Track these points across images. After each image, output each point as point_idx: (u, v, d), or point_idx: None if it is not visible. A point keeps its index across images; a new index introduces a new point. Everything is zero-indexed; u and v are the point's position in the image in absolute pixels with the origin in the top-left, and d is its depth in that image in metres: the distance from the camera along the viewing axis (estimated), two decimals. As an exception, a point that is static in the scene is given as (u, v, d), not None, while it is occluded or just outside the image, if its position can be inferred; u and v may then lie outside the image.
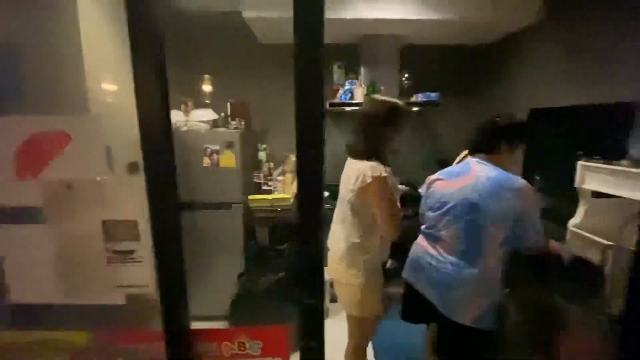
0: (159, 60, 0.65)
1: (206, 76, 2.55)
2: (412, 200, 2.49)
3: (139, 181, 0.71)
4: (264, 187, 2.58)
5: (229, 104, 2.49)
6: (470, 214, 1.29)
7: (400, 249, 2.01)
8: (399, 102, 1.46)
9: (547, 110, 2.14)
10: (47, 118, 0.69)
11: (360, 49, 2.68)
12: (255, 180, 2.57)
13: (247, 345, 0.82)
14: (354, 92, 2.54)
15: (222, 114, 2.42)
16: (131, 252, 0.74)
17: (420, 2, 2.25)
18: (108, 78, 1.72)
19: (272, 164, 2.74)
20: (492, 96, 2.90)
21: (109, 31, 1.75)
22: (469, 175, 1.37)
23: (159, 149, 0.67)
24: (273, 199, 2.45)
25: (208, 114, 2.33)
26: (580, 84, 1.99)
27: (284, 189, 2.59)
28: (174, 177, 0.70)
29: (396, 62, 2.67)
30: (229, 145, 2.20)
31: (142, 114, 0.66)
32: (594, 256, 1.24)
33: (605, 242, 1.19)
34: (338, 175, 1.86)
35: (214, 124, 2.34)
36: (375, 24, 2.35)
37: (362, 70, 2.69)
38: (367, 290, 1.45)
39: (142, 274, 0.75)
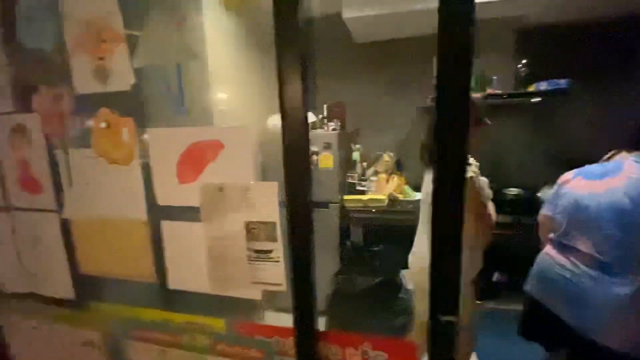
0: (302, 71, 0.67)
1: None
2: (527, 204, 2.16)
3: (275, 186, 0.75)
4: (358, 188, 2.56)
5: (325, 106, 2.55)
6: (618, 222, 1.08)
7: (507, 259, 1.78)
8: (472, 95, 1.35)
9: None
10: (203, 128, 0.77)
11: (465, 37, 2.43)
12: (350, 181, 2.58)
13: (371, 354, 0.80)
14: (458, 85, 2.33)
15: (320, 116, 2.48)
16: (269, 252, 0.79)
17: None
18: (226, 89, 1.92)
19: (365, 164, 2.71)
20: (636, 82, 2.33)
21: (229, 46, 1.95)
22: (620, 176, 1.15)
23: (299, 154, 0.69)
24: (368, 199, 2.42)
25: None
26: None
27: (377, 189, 2.53)
28: (309, 181, 0.71)
29: (511, 46, 2.35)
30: (327, 147, 2.24)
31: (285, 123, 0.69)
32: None
33: None
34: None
35: (312, 125, 2.42)
36: (485, 7, 2.10)
37: (467, 60, 2.44)
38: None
39: (277, 273, 0.79)
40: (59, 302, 0.97)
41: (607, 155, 1.55)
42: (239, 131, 0.73)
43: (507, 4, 2.04)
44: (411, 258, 1.60)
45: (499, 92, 2.23)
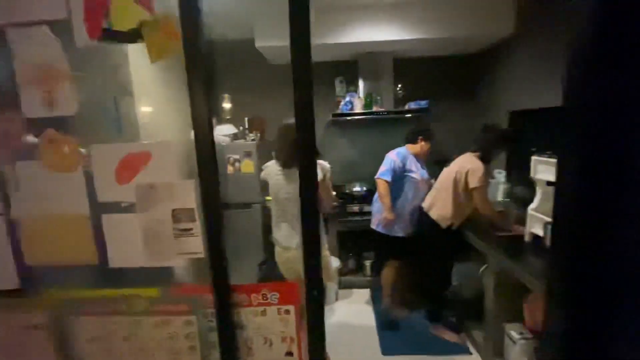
0: (208, 93, 1.00)
1: (225, 95, 2.96)
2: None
3: (192, 182, 1.08)
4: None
5: (246, 119, 2.90)
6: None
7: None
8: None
9: (523, 112, 2.42)
10: (137, 143, 1.07)
11: (359, 64, 3.03)
12: (271, 184, 2.95)
13: (269, 296, 1.17)
14: (353, 103, 2.89)
15: (241, 128, 2.81)
16: (190, 229, 1.11)
17: (409, 24, 2.59)
18: (155, 112, 2.15)
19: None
20: (479, 101, 3.19)
21: (153, 76, 2.19)
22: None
23: (207, 160, 1.04)
24: (285, 199, 2.82)
25: (228, 129, 2.73)
26: (548, 88, 2.27)
27: (295, 190, 2.95)
28: (217, 178, 1.06)
29: (391, 74, 3.00)
30: (248, 155, 2.59)
31: (197, 137, 1.03)
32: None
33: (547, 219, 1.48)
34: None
35: (235, 137, 2.74)
36: (371, 45, 2.70)
37: (360, 83, 3.03)
38: None
39: (197, 245, 1.12)
40: (7, 293, 1.15)
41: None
42: (163, 144, 1.06)
43: (386, 43, 2.66)
44: (277, 251, 2.07)
45: (383, 109, 2.85)
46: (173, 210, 1.09)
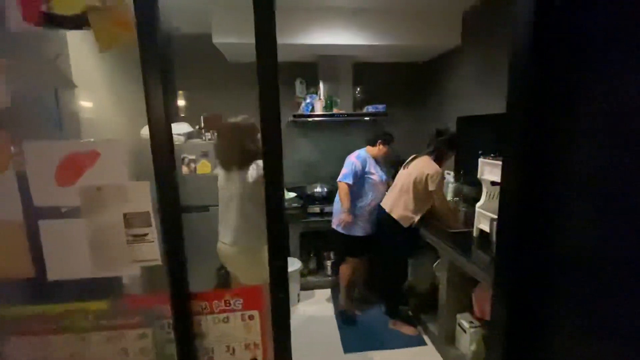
0: (165, 89, 0.94)
1: (180, 92, 2.81)
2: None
3: (147, 184, 1.00)
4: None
5: (202, 118, 2.77)
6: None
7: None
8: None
9: (470, 118, 2.62)
10: (84, 141, 0.97)
11: (319, 66, 3.06)
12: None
13: (232, 302, 1.13)
14: (314, 104, 2.91)
15: (197, 127, 2.68)
16: (145, 235, 1.03)
17: (365, 30, 2.67)
18: (101, 108, 1.97)
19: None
20: (431, 106, 3.40)
21: (97, 67, 2.00)
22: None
23: (165, 160, 0.97)
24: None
25: (184, 127, 2.59)
26: (491, 96, 2.49)
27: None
28: (175, 178, 1.00)
29: (350, 78, 3.08)
30: (204, 155, 2.48)
31: (153, 135, 0.96)
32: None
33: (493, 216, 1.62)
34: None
35: (190, 136, 2.60)
36: (330, 48, 2.74)
37: (321, 85, 3.06)
38: None
39: (153, 251, 1.04)
40: None
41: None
42: (113, 142, 0.97)
43: (343, 47, 2.72)
44: (218, 244, 2.03)
45: (342, 111, 2.91)
46: (125, 215, 1.00)
